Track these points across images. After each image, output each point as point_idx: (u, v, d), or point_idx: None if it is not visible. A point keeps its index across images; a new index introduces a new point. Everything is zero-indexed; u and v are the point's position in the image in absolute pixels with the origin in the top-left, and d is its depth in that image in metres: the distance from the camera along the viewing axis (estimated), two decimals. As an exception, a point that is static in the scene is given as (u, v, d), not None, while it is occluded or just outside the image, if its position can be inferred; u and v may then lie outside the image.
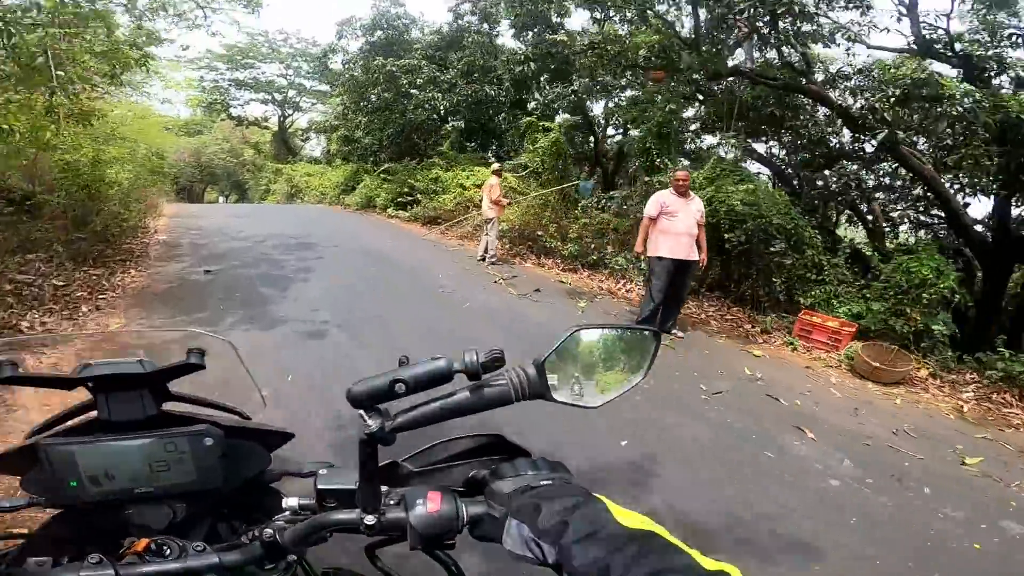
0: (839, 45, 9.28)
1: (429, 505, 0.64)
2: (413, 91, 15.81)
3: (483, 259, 9.60)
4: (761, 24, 9.35)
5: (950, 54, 8.34)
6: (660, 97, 10.31)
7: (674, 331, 5.81)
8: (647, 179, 9.62)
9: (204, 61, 26.25)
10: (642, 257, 5.87)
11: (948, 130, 8.29)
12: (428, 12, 37.44)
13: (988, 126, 6.37)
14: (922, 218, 12.22)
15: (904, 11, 8.71)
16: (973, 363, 5.66)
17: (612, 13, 10.71)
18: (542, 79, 13.54)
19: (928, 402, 4.99)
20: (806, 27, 9.02)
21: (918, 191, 11.48)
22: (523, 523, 0.59)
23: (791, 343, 6.07)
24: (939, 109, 7.31)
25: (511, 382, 0.68)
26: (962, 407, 4.90)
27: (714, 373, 4.91)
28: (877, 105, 7.94)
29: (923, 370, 5.52)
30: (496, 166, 9.73)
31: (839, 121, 10.59)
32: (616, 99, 15.39)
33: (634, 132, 10.43)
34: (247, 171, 32.66)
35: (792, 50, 10.34)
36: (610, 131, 17.28)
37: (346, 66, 17.64)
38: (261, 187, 29.43)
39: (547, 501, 0.59)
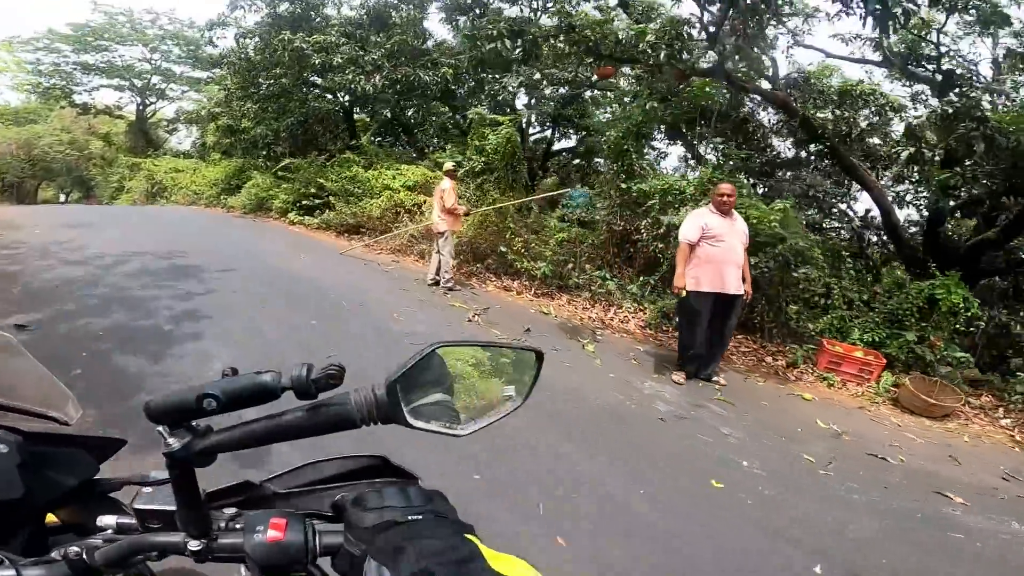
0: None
1: (270, 533, 0.58)
2: (320, 77, 13.15)
3: (435, 283, 7.45)
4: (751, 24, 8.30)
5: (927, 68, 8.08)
6: (636, 95, 8.75)
7: (716, 378, 4.88)
8: (623, 185, 8.02)
9: (43, 42, 22.48)
10: (684, 292, 4.69)
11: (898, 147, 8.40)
12: None
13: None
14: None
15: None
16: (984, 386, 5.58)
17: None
18: (481, 68, 11.47)
19: (985, 434, 4.76)
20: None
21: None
22: (383, 565, 0.51)
23: (825, 378, 5.48)
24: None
25: (355, 403, 0.60)
26: (1013, 435, 4.77)
27: (792, 431, 4.22)
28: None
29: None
30: (450, 165, 7.65)
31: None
32: (545, 94, 13.78)
33: (611, 132, 8.71)
34: (94, 166, 27.36)
35: (762, 54, 9.44)
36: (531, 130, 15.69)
37: (239, 41, 14.29)
38: (112, 184, 24.68)
39: (412, 541, 0.52)
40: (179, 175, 20.15)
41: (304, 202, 12.40)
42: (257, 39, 14.05)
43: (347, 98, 15.17)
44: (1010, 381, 5.41)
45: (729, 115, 10.96)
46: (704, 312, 4.65)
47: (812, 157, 11.22)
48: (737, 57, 8.84)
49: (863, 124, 10.37)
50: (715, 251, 4.60)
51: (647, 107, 8.57)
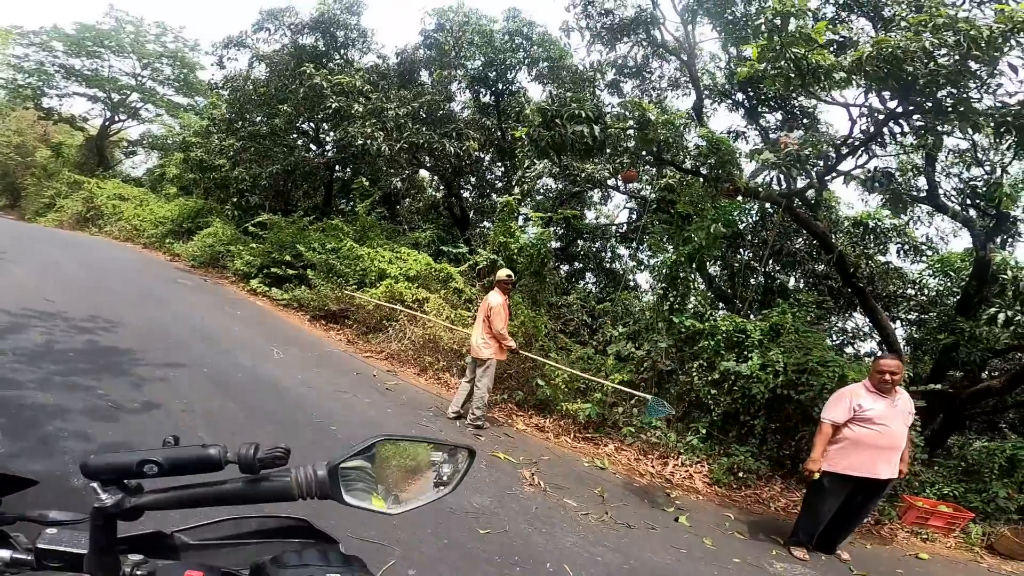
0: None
1: None
2: (327, 123, 11.57)
3: (458, 415, 5.71)
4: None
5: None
6: (707, 211, 7.61)
7: (838, 552, 4.34)
8: (673, 319, 6.76)
9: (41, 37, 20.29)
10: (816, 475, 4.13)
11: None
12: (382, 33, 32.60)
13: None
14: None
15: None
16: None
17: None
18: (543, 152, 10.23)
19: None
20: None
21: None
22: None
23: (918, 533, 5.15)
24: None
25: (295, 480, 0.64)
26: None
27: None
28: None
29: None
30: (505, 274, 5.94)
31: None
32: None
33: (667, 252, 7.49)
34: (31, 175, 24.22)
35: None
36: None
37: (251, 65, 12.74)
38: (43, 199, 21.77)
39: None
40: (122, 204, 17.67)
41: (274, 269, 10.30)
42: (269, 69, 12.61)
43: (335, 154, 13.71)
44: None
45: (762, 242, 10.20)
46: (838, 496, 4.11)
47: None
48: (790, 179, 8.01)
49: (881, 261, 9.67)
50: (868, 434, 3.98)
51: (712, 229, 7.35)
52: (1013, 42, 4.55)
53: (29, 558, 0.65)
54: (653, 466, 5.74)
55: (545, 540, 3.58)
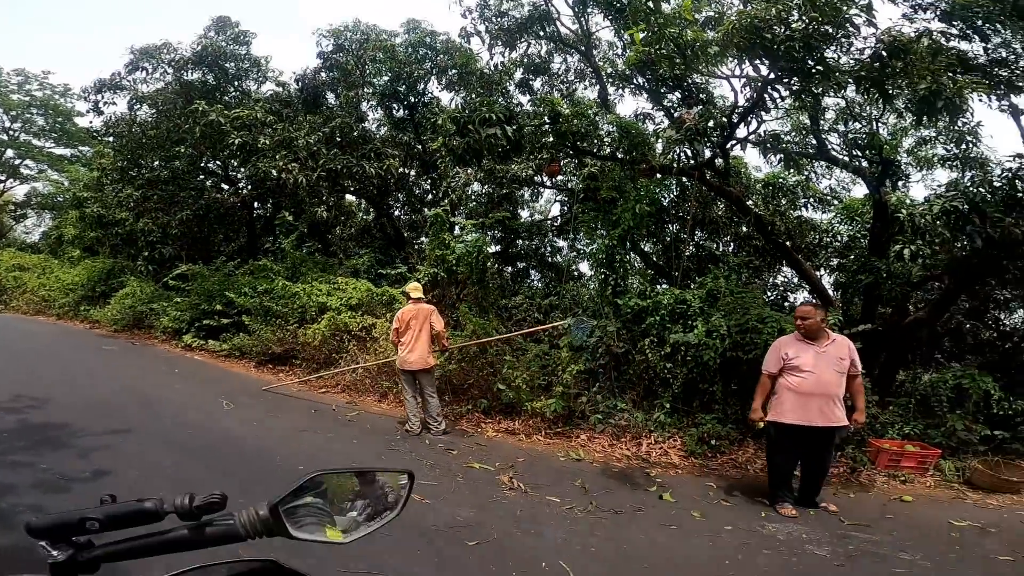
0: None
1: None
2: (235, 160, 11.07)
3: (418, 430, 5.83)
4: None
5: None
6: (629, 193, 7.86)
7: (823, 504, 4.45)
8: (618, 301, 6.98)
9: None
10: (760, 424, 4.48)
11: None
12: (277, 59, 31.24)
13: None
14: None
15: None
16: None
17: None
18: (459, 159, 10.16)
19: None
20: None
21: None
22: None
23: (894, 476, 5.30)
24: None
25: (239, 521, 0.66)
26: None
27: (948, 539, 3.90)
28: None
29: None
30: (418, 287, 6.27)
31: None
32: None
33: (601, 238, 7.69)
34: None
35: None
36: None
37: (132, 108, 11.81)
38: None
39: None
40: (23, 274, 16.27)
41: (206, 321, 9.81)
42: (154, 110, 11.81)
43: (250, 191, 13.08)
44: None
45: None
46: (789, 446, 4.31)
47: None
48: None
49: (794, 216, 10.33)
50: (797, 382, 4.20)
51: (637, 208, 7.59)
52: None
53: None
54: (628, 448, 5.82)
55: (536, 541, 3.60)
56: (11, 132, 20.86)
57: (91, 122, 13.43)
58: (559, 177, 13.08)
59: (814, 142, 8.51)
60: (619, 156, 8.34)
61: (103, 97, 12.39)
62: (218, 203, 12.50)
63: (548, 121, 7.61)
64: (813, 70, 5.47)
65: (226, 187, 13.62)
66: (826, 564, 3.45)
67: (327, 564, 2.82)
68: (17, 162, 22.21)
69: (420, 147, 12.02)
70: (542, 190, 13.78)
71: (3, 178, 22.94)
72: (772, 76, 6.06)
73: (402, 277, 9.34)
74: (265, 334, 8.66)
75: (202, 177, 13.42)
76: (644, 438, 5.98)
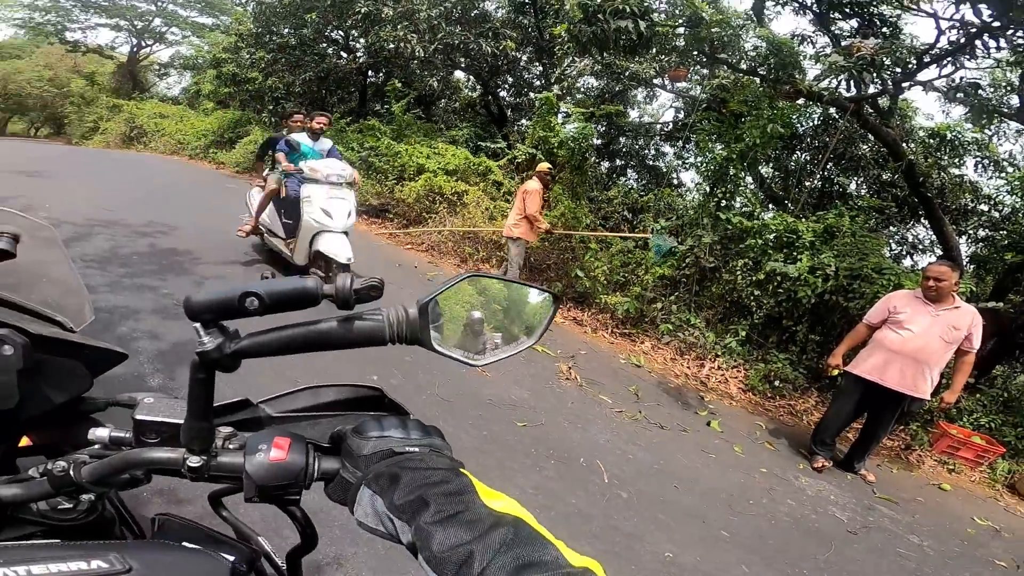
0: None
1: (274, 452, 0.56)
2: (356, 31, 11.16)
3: None
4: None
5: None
6: (763, 111, 6.98)
7: (863, 472, 4.25)
8: (721, 216, 6.41)
9: None
10: (834, 371, 4.28)
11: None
12: None
13: None
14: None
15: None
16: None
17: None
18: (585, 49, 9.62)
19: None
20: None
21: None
22: (377, 495, 0.51)
23: (945, 463, 4.98)
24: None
25: (387, 318, 0.59)
26: None
27: (961, 532, 3.75)
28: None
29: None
30: (545, 167, 6.36)
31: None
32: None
33: (716, 151, 7.05)
34: (71, 104, 24.64)
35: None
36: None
37: None
38: (87, 124, 22.22)
39: (407, 472, 0.51)
40: (163, 121, 18.00)
41: (317, 168, 10.49)
42: None
43: (367, 60, 13.39)
44: None
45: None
46: (848, 399, 4.10)
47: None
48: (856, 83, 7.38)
49: (955, 174, 9.01)
50: (892, 338, 3.84)
51: (768, 128, 6.78)
52: None
53: (128, 435, 0.64)
54: (689, 367, 5.70)
55: (580, 436, 3.65)
56: (160, 3, 22.44)
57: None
58: (682, 83, 12.19)
59: (1015, 102, 7.27)
60: (760, 73, 7.53)
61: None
62: (337, 68, 13.15)
63: (686, 24, 6.93)
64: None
65: (345, 55, 14.08)
66: (841, 528, 3.39)
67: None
68: (164, 29, 24.04)
69: (538, 32, 11.55)
70: (659, 93, 12.93)
71: (151, 42, 24.99)
72: (997, 24, 5.19)
73: (500, 152, 9.36)
74: (364, 186, 9.08)
75: (324, 45, 14.07)
76: (708, 361, 5.80)
